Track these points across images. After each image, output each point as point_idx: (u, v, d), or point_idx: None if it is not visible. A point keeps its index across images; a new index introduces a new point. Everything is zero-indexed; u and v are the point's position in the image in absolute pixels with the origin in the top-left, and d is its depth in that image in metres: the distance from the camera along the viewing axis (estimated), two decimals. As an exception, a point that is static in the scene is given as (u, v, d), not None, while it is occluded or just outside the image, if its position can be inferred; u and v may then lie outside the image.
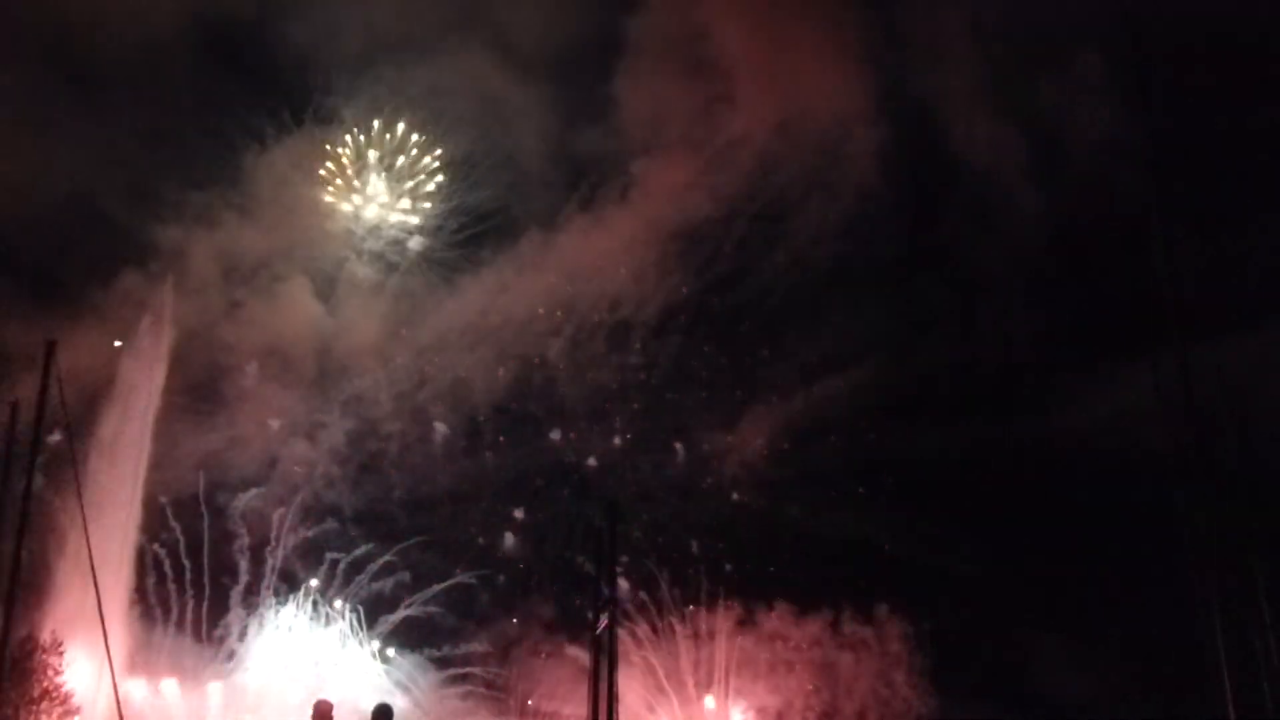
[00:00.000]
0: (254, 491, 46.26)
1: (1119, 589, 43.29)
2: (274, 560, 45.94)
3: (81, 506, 27.33)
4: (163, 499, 44.20)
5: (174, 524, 44.57)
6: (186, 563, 44.62)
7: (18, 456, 26.00)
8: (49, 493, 36.58)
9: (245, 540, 45.71)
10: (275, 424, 46.49)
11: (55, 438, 36.40)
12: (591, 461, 49.55)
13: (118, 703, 24.10)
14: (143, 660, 41.83)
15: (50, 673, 32.40)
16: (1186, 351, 14.89)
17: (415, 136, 49.01)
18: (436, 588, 47.22)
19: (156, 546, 44.15)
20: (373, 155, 48.10)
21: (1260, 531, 19.89)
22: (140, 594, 43.37)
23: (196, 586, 44.82)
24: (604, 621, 28.08)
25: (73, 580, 37.39)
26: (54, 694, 32.10)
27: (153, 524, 43.84)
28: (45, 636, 33.98)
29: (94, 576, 25.43)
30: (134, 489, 41.85)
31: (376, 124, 48.10)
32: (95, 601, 25.20)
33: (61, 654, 33.02)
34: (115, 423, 42.19)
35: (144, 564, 43.54)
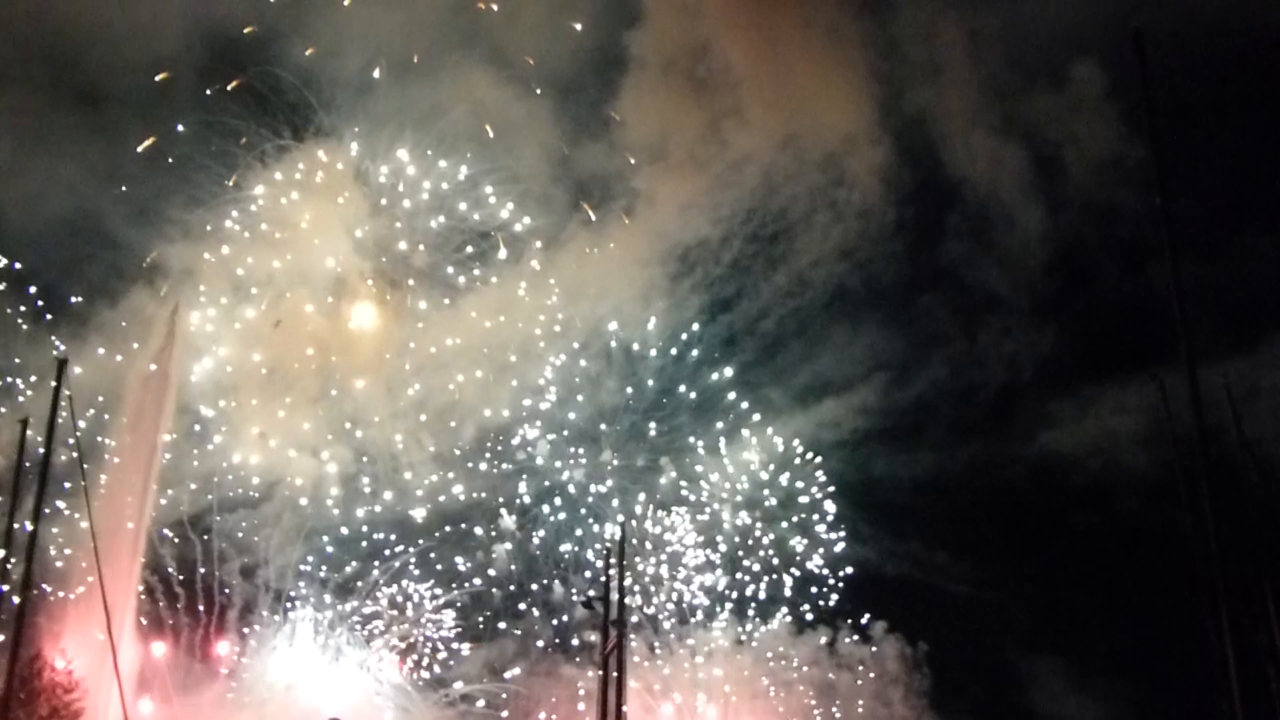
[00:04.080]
0: (250, 511, 46.29)
1: (1118, 610, 43.47)
2: (271, 580, 45.99)
3: (92, 523, 27.41)
4: (166, 518, 44.30)
5: (174, 543, 44.69)
6: (185, 585, 44.70)
7: (28, 473, 26.16)
8: (59, 510, 36.72)
9: (242, 560, 45.77)
10: (274, 443, 46.45)
11: (65, 456, 36.57)
12: (588, 481, 49.57)
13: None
14: (148, 678, 41.85)
15: (59, 691, 32.37)
16: (1194, 370, 15.04)
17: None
18: (433, 606, 47.22)
19: (160, 566, 44.35)
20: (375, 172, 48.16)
21: (1270, 552, 20.04)
22: (143, 613, 43.43)
23: (195, 606, 44.90)
24: (612, 643, 28.23)
25: (81, 598, 37.46)
26: (62, 712, 32.06)
27: (156, 543, 43.96)
28: (53, 654, 33.94)
29: (103, 594, 25.53)
30: (142, 507, 41.87)
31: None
32: (104, 619, 25.30)
33: (70, 672, 32.97)
34: (124, 441, 42.29)
35: (149, 583, 43.66)
